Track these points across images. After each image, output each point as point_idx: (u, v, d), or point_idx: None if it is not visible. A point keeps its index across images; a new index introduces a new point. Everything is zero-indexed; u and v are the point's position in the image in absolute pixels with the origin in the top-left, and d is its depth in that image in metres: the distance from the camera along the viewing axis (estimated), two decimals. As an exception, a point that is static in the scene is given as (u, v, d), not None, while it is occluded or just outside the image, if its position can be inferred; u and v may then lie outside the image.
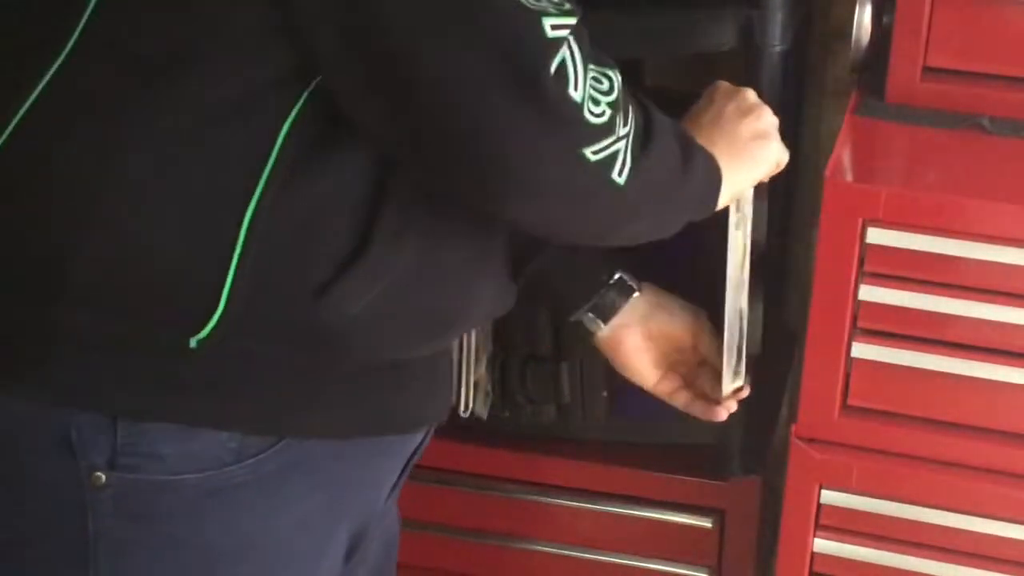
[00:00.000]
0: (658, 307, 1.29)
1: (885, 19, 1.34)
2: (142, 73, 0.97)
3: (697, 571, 1.67)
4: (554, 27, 0.93)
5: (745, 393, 1.31)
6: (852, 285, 1.27)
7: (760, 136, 1.19)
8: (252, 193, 0.96)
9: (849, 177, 1.27)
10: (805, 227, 1.63)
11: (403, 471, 1.23)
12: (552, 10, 0.93)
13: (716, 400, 1.31)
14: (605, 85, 0.98)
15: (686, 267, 1.36)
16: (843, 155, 1.29)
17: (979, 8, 1.30)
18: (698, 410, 1.32)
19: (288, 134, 0.97)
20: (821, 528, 1.38)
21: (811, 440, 1.35)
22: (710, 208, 1.15)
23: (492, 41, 0.92)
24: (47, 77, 0.97)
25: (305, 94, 0.97)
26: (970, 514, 1.33)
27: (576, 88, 0.95)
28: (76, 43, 0.97)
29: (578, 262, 1.27)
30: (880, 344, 1.29)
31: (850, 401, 1.33)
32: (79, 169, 0.97)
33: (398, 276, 1.02)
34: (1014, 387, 1.27)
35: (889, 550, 1.37)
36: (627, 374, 1.31)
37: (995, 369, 1.27)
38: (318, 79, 0.97)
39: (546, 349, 1.57)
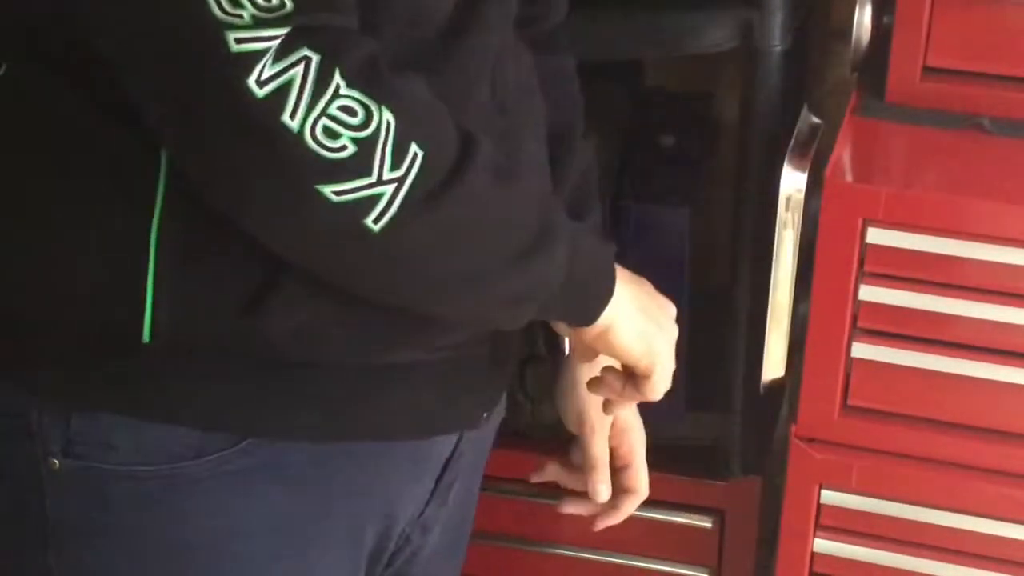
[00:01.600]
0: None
1: (885, 19, 1.33)
2: (33, 90, 0.96)
3: (697, 571, 1.67)
4: (242, 40, 0.83)
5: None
6: (852, 285, 1.27)
7: (666, 329, 1.11)
8: (153, 202, 0.93)
9: (849, 177, 1.27)
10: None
11: (440, 479, 1.18)
12: (244, 20, 0.83)
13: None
14: (357, 118, 0.87)
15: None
16: (843, 155, 1.29)
17: (979, 8, 1.30)
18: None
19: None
20: (821, 528, 1.38)
21: (811, 440, 1.35)
22: (585, 306, 1.05)
23: (177, 55, 0.85)
24: None
25: None
26: (970, 514, 1.33)
27: (294, 115, 0.85)
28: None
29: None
30: (880, 344, 1.29)
31: (850, 401, 1.33)
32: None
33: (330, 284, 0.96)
34: (1014, 387, 1.28)
35: (889, 550, 1.37)
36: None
37: (995, 369, 1.27)
38: None
39: (546, 349, 1.57)
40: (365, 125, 0.87)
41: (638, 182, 1.55)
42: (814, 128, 1.34)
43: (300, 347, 0.98)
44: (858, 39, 1.35)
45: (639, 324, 1.09)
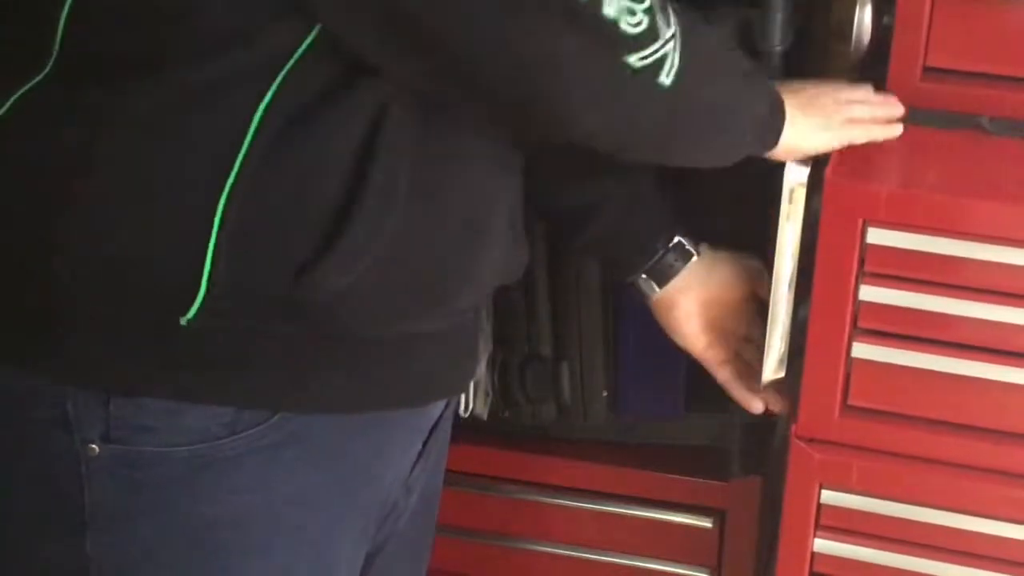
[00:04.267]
0: (714, 272, 1.31)
1: (885, 19, 1.33)
2: (116, 72, 0.97)
3: (697, 571, 1.67)
4: None
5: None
6: (852, 285, 1.27)
7: (840, 108, 1.23)
8: (225, 177, 0.96)
9: (849, 177, 1.27)
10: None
11: (427, 442, 1.23)
12: None
13: (755, 387, 1.34)
14: None
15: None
16: (843, 155, 1.29)
17: (979, 8, 1.30)
18: (737, 391, 1.33)
19: (263, 116, 0.97)
20: (821, 528, 1.38)
21: (811, 440, 1.35)
22: (770, 141, 1.19)
23: None
24: (25, 88, 0.99)
25: (280, 76, 0.98)
26: (970, 514, 1.33)
27: (609, 4, 0.97)
28: (56, 57, 0.99)
29: (636, 226, 1.28)
30: (880, 344, 1.29)
31: (850, 401, 1.33)
32: (51, 163, 0.98)
33: (386, 248, 1.01)
34: (1014, 387, 1.27)
35: (889, 550, 1.37)
36: (675, 337, 1.34)
37: (995, 369, 1.27)
38: (296, 59, 0.97)
39: (546, 349, 1.57)
40: None
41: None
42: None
43: (338, 318, 1.02)
44: (858, 39, 1.35)
45: (810, 122, 1.22)
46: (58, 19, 0.98)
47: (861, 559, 1.38)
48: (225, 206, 0.96)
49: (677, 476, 1.63)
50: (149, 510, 1.05)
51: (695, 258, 1.30)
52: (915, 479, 1.33)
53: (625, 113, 1.05)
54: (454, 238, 1.07)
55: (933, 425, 1.32)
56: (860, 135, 1.26)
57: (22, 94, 0.99)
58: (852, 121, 1.25)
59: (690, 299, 1.30)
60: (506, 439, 1.65)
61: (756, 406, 1.36)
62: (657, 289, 1.30)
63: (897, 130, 1.28)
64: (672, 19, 1.03)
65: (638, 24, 0.99)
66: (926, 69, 1.33)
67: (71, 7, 0.98)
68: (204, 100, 0.97)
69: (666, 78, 1.02)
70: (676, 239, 1.30)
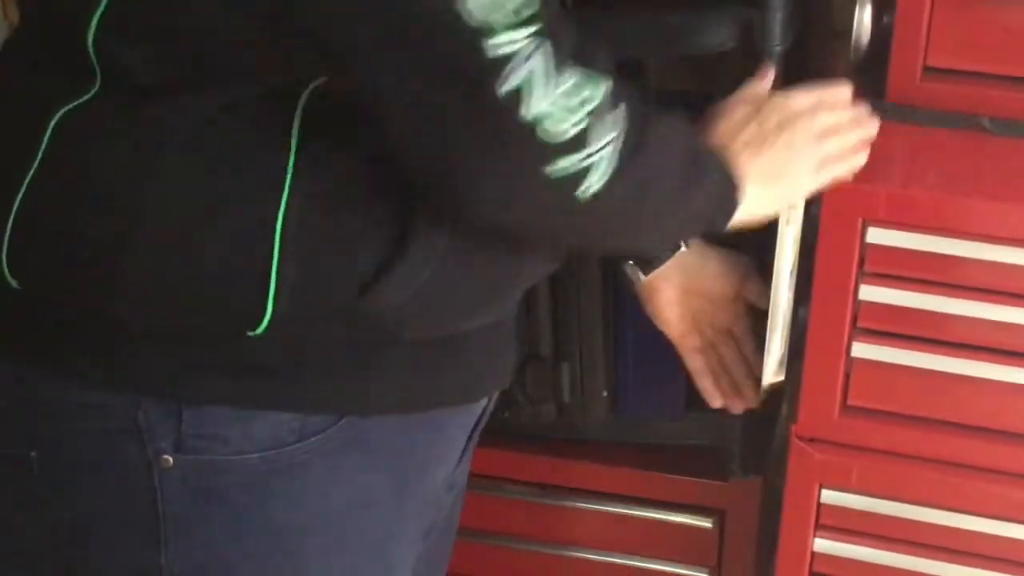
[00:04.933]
0: (702, 265, 1.33)
1: (885, 19, 1.33)
2: (160, 92, 0.98)
3: (697, 571, 1.67)
4: (501, 44, 0.89)
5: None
6: (852, 285, 1.27)
7: (803, 154, 1.18)
8: (279, 197, 0.97)
9: (849, 177, 1.27)
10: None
11: (469, 440, 1.25)
12: (501, 24, 0.89)
13: (725, 384, 1.37)
14: (583, 94, 0.94)
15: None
16: (843, 155, 1.29)
17: (979, 8, 1.30)
18: (703, 382, 1.37)
19: (303, 133, 0.98)
20: (821, 528, 1.38)
21: (811, 440, 1.35)
22: (720, 225, 1.14)
23: (432, 65, 0.90)
24: (71, 105, 0.99)
25: (304, 96, 0.99)
26: (970, 514, 1.33)
27: (531, 107, 0.91)
28: (102, 80, 0.99)
29: None
30: (880, 344, 1.29)
31: (850, 401, 1.33)
32: (113, 187, 0.99)
33: (443, 259, 1.02)
34: (1014, 387, 1.27)
35: (889, 550, 1.37)
36: (656, 322, 1.36)
37: (995, 369, 1.27)
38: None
39: (546, 349, 1.57)
40: (589, 101, 0.94)
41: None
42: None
43: (399, 325, 1.03)
44: (858, 39, 1.35)
45: (774, 192, 1.18)
46: (86, 39, 0.98)
47: (861, 559, 1.38)
48: (283, 226, 0.97)
49: (677, 476, 1.63)
50: (221, 517, 1.06)
51: (682, 249, 1.30)
52: (915, 479, 1.33)
53: (538, 217, 1.00)
54: (503, 248, 1.08)
55: (933, 425, 1.32)
56: (838, 172, 1.22)
57: (67, 112, 0.99)
58: (826, 160, 1.21)
59: (673, 287, 1.32)
60: (506, 439, 1.65)
61: (715, 401, 1.38)
62: (642, 277, 1.32)
63: (864, 158, 1.24)
64: (621, 116, 0.96)
65: (564, 132, 0.93)
66: (926, 69, 1.33)
67: (97, 24, 0.98)
68: (245, 117, 0.98)
69: (586, 191, 0.96)
70: None
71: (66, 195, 1.00)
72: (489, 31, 0.88)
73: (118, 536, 1.07)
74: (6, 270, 1.01)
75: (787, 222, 1.27)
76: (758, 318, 1.36)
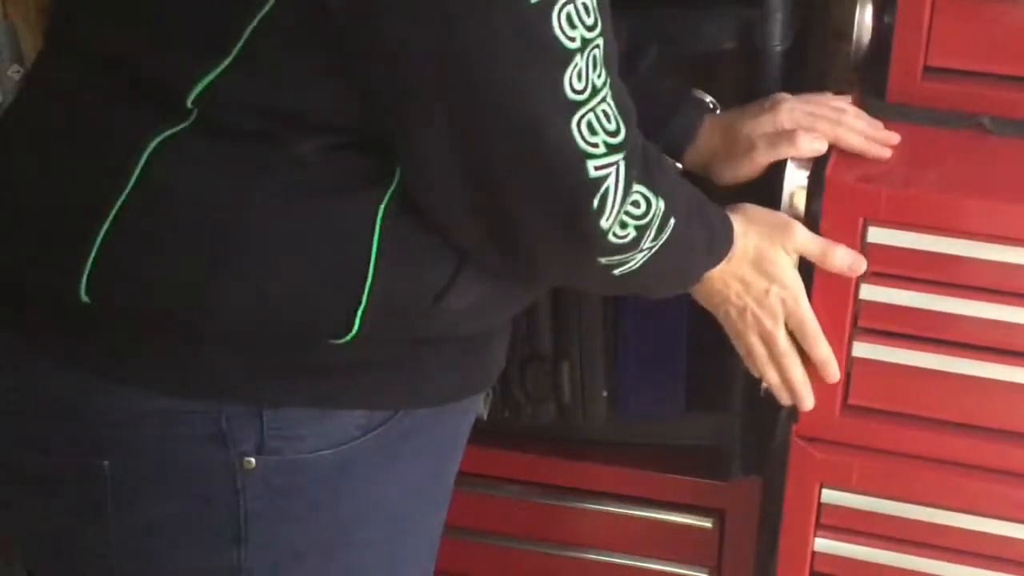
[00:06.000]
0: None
1: (886, 19, 1.34)
2: (248, 140, 1.01)
3: (697, 571, 1.67)
4: (598, 167, 1.01)
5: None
6: (852, 285, 1.27)
7: (749, 327, 1.26)
8: (372, 226, 1.02)
9: (849, 177, 1.27)
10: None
11: None
12: (601, 148, 1.00)
13: None
14: (641, 209, 1.06)
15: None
16: (843, 155, 1.30)
17: (979, 8, 1.30)
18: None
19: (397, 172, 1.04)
20: (821, 528, 1.38)
21: (811, 440, 1.35)
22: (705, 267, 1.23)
23: (541, 177, 1.01)
24: (167, 134, 1.01)
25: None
26: (970, 514, 1.33)
27: (608, 218, 1.04)
28: (192, 120, 1.01)
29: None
30: (881, 343, 1.29)
31: (850, 401, 1.33)
32: (210, 214, 1.01)
33: (491, 273, 1.10)
34: (1014, 387, 1.28)
35: (889, 550, 1.37)
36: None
37: (995, 369, 1.27)
38: None
39: (546, 349, 1.57)
40: (645, 214, 1.07)
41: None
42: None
43: (456, 325, 1.11)
44: (858, 39, 1.35)
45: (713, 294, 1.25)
46: (186, 97, 1.00)
47: (861, 559, 1.38)
48: (376, 251, 1.02)
49: (677, 476, 1.64)
50: (297, 514, 1.10)
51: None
52: (915, 479, 1.33)
53: (578, 281, 1.19)
54: None
55: (933, 424, 1.32)
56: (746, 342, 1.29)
57: (163, 140, 1.01)
58: (750, 349, 1.28)
59: None
60: (506, 439, 1.65)
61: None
62: None
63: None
64: (659, 235, 1.10)
65: (623, 236, 1.06)
66: (926, 69, 1.33)
67: (202, 89, 0.99)
68: (342, 157, 1.02)
69: (623, 271, 1.10)
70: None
71: (160, 220, 1.02)
72: (591, 156, 1.00)
73: (197, 538, 1.09)
74: (83, 288, 1.02)
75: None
76: None
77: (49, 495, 1.10)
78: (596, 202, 1.02)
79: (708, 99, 1.36)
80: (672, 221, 1.10)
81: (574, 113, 0.98)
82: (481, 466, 1.65)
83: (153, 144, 1.00)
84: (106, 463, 1.07)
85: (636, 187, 1.05)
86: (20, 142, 1.10)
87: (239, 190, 1.01)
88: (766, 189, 1.33)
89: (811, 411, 1.32)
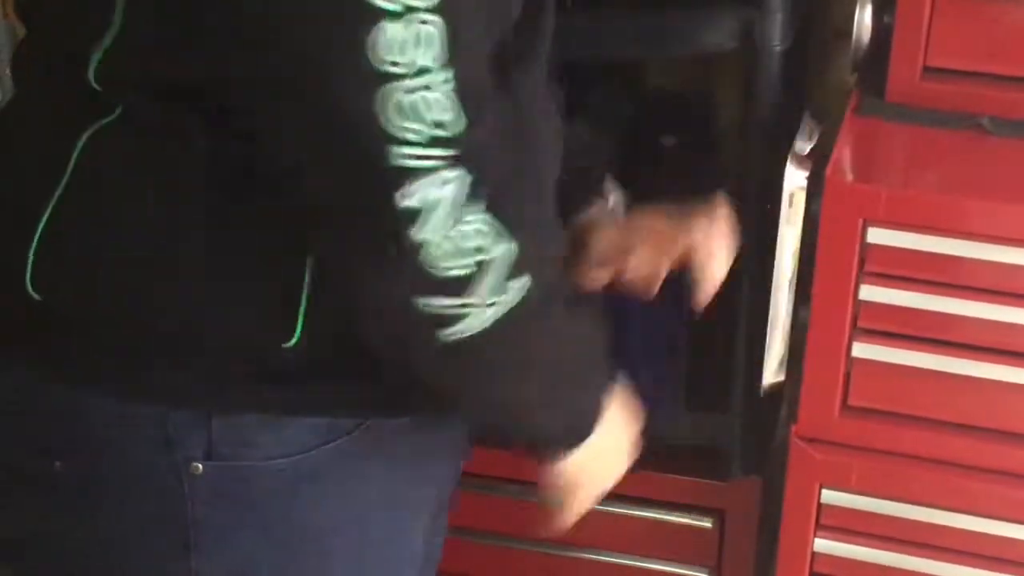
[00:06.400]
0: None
1: (886, 19, 1.34)
2: (170, 136, 0.99)
3: (697, 571, 1.67)
4: (413, 157, 0.88)
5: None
6: (852, 285, 1.27)
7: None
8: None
9: (849, 177, 1.27)
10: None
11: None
12: (418, 137, 0.87)
13: None
14: (479, 242, 0.91)
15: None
16: (843, 155, 1.30)
17: (979, 8, 1.30)
18: None
19: None
20: (821, 528, 1.38)
21: (811, 440, 1.35)
22: (568, 444, 1.16)
23: (333, 148, 0.90)
24: (97, 126, 0.99)
25: None
26: (970, 514, 1.33)
27: (426, 231, 0.89)
28: (118, 114, 0.99)
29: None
30: (880, 344, 1.29)
31: (850, 401, 1.33)
32: (142, 210, 0.99)
33: None
34: (1014, 387, 1.28)
35: (889, 550, 1.37)
36: None
37: (995, 369, 1.27)
38: None
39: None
40: (485, 252, 0.91)
41: (638, 182, 1.55)
42: (814, 128, 1.34)
43: None
44: (858, 39, 1.35)
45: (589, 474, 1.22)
46: (87, 74, 0.98)
47: (861, 559, 1.38)
48: (313, 258, 0.98)
49: (677, 476, 1.63)
50: (251, 523, 1.07)
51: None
52: (915, 479, 1.33)
53: (400, 344, 0.98)
54: None
55: (933, 425, 1.32)
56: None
57: (94, 132, 0.99)
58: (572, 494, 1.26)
59: None
60: (506, 439, 1.65)
61: None
62: None
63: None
64: (521, 286, 0.94)
65: (453, 269, 0.91)
66: (926, 69, 1.33)
67: (97, 64, 0.98)
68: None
69: (451, 336, 0.93)
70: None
71: (94, 214, 1.00)
72: (406, 142, 0.87)
73: (148, 544, 1.07)
74: (28, 283, 1.01)
75: (786, 221, 1.27)
76: (757, 319, 1.36)
77: (3, 494, 1.09)
78: (407, 200, 0.88)
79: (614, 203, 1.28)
80: (527, 280, 0.94)
81: (379, 86, 0.85)
82: (481, 466, 1.65)
83: (84, 137, 0.99)
84: (57, 464, 1.05)
85: (478, 210, 0.90)
86: (6, 138, 1.10)
87: (161, 188, 0.98)
88: (766, 190, 1.33)
89: (811, 412, 1.32)
